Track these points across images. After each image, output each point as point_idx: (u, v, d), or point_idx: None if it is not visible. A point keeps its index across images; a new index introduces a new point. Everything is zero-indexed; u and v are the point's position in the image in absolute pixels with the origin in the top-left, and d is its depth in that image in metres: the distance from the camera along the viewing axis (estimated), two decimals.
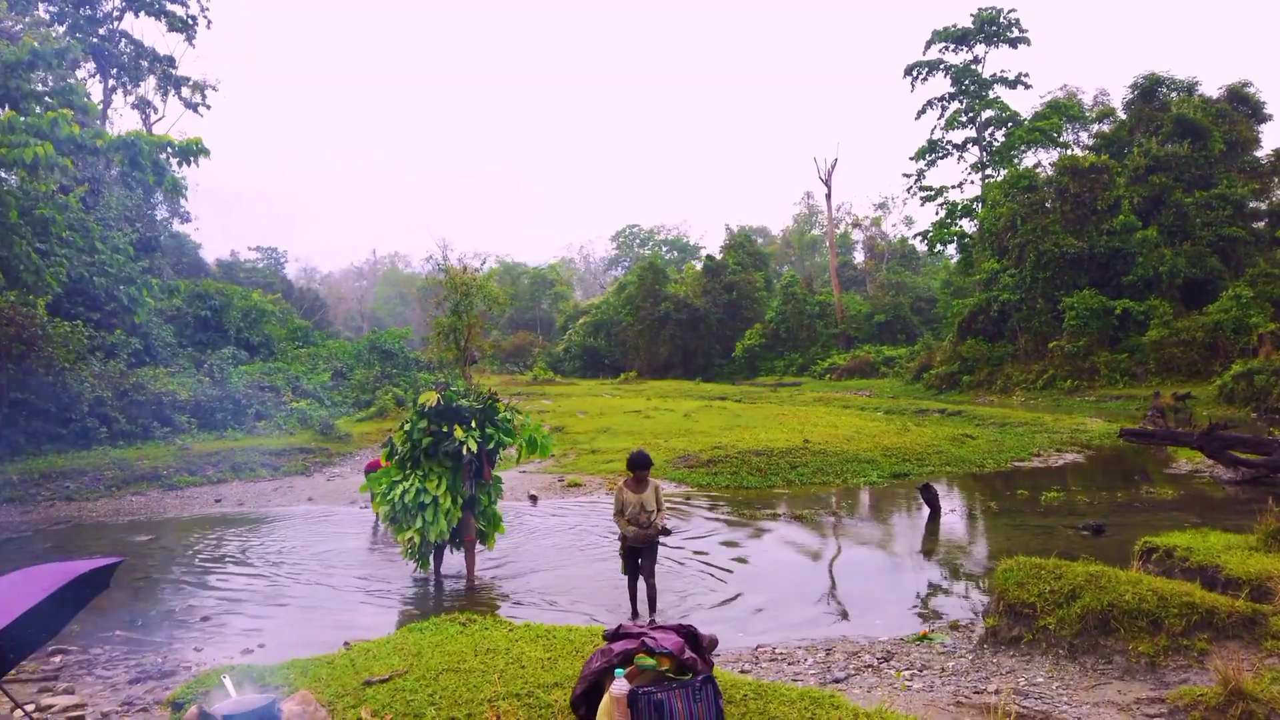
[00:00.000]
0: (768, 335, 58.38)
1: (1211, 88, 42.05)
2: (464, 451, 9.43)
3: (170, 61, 46.43)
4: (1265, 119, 40.02)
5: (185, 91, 47.03)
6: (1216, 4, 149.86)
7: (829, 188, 62.15)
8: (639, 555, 8.21)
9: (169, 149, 15.85)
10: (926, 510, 13.23)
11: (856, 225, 79.70)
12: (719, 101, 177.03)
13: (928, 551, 11.31)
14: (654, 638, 4.34)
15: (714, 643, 6.68)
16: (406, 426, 9.81)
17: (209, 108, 47.38)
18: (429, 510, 9.35)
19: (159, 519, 14.49)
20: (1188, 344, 32.80)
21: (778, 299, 60.80)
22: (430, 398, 9.69)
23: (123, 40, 45.43)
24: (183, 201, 51.40)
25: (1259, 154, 39.37)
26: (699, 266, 70.69)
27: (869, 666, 6.33)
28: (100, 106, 37.48)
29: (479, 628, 6.20)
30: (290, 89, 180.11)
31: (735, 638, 7.46)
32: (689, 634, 4.53)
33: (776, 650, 6.94)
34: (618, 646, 4.39)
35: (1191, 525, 11.48)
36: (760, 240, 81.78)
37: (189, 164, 16.39)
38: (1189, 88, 41.35)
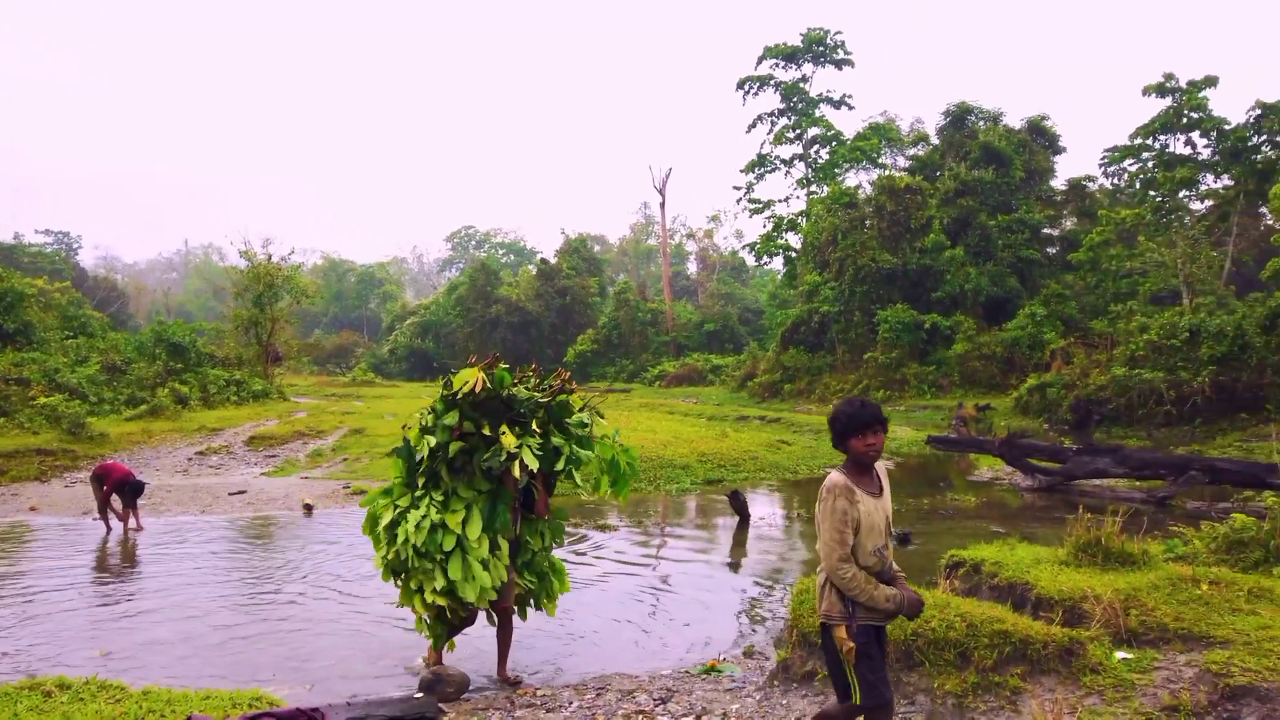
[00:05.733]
0: (600, 341, 57.79)
1: (1015, 118, 45.00)
2: (515, 470, 5.95)
3: None
4: (1060, 151, 43.19)
5: None
6: (1022, 43, 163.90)
7: (663, 196, 62.51)
8: (882, 639, 3.95)
9: None
10: (736, 518, 12.52)
11: (690, 236, 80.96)
12: (560, 109, 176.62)
13: (733, 564, 10.50)
14: None
15: None
16: (428, 419, 6.25)
17: None
18: (454, 559, 5.82)
19: None
20: (988, 358, 34.53)
21: (611, 305, 60.34)
22: (470, 378, 6.08)
23: None
24: None
25: (1054, 183, 42.37)
26: (534, 270, 69.27)
27: (641, 711, 5.25)
28: None
29: (68, 700, 4.38)
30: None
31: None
32: None
33: (539, 692, 5.76)
34: None
35: (994, 534, 11.33)
36: (598, 248, 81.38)
37: None
38: (995, 117, 43.94)
